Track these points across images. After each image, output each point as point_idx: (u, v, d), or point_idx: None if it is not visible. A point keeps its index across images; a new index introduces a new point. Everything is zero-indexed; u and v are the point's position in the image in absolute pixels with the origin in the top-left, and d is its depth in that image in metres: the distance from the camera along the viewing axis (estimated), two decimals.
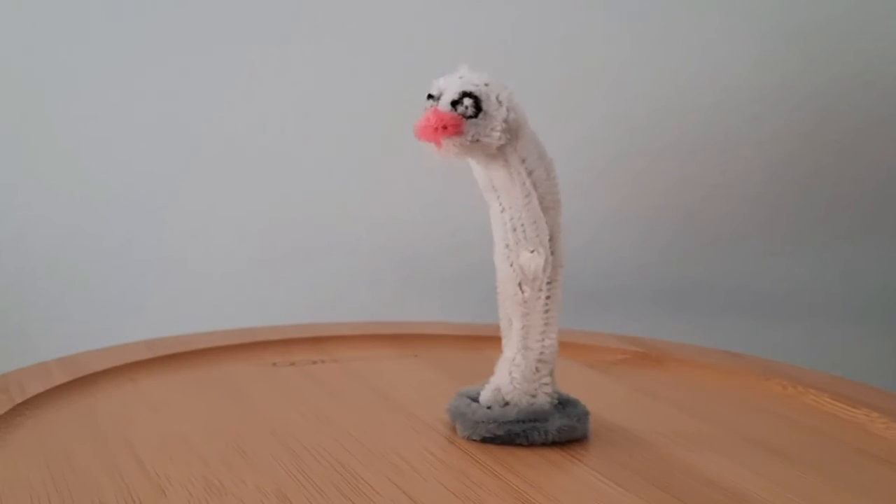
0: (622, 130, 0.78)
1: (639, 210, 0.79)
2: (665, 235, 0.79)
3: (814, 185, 0.76)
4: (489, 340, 0.62)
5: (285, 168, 0.81)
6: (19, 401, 0.47)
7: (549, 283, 0.45)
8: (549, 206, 0.44)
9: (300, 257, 0.82)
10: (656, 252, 0.79)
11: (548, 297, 0.45)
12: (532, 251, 0.44)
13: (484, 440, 0.45)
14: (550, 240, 0.45)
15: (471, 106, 0.42)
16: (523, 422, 0.45)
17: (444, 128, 0.41)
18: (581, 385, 0.53)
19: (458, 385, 0.49)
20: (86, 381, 0.51)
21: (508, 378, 0.45)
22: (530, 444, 0.45)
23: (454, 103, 0.42)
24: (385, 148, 0.78)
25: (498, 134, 0.42)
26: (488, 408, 0.45)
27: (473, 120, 0.42)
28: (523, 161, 0.43)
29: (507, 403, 0.45)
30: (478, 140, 0.42)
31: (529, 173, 0.44)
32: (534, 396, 0.45)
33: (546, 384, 0.45)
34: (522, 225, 0.44)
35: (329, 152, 0.81)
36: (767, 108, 0.76)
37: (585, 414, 0.47)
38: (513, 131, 0.43)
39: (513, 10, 0.77)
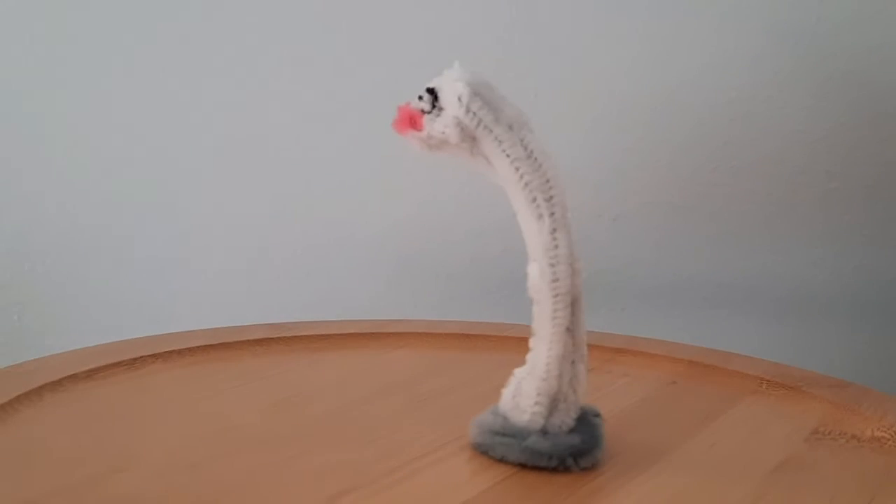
0: (615, 127, 0.78)
1: (632, 207, 0.79)
2: (658, 232, 0.79)
3: (805, 183, 0.77)
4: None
5: (283, 167, 0.82)
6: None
7: (555, 296, 0.41)
8: (544, 212, 0.41)
9: (298, 254, 0.82)
10: (649, 249, 0.80)
11: (555, 311, 0.41)
12: (534, 260, 0.42)
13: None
14: (555, 248, 0.41)
15: (427, 102, 0.41)
16: (502, 434, 0.43)
17: (409, 121, 0.41)
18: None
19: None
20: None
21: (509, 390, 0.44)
22: (502, 460, 0.43)
23: (420, 98, 0.41)
24: (381, 146, 0.79)
25: (450, 131, 0.41)
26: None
27: (429, 116, 0.41)
28: (504, 162, 0.41)
29: (504, 417, 0.43)
30: (433, 136, 0.41)
31: (519, 174, 0.41)
32: (524, 413, 0.42)
33: (538, 405, 0.42)
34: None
35: (326, 151, 0.81)
36: (759, 106, 0.76)
37: (571, 446, 0.42)
38: (468, 131, 0.41)
39: (508, 9, 0.77)
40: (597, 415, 0.44)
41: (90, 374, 0.53)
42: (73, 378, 0.52)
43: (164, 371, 0.55)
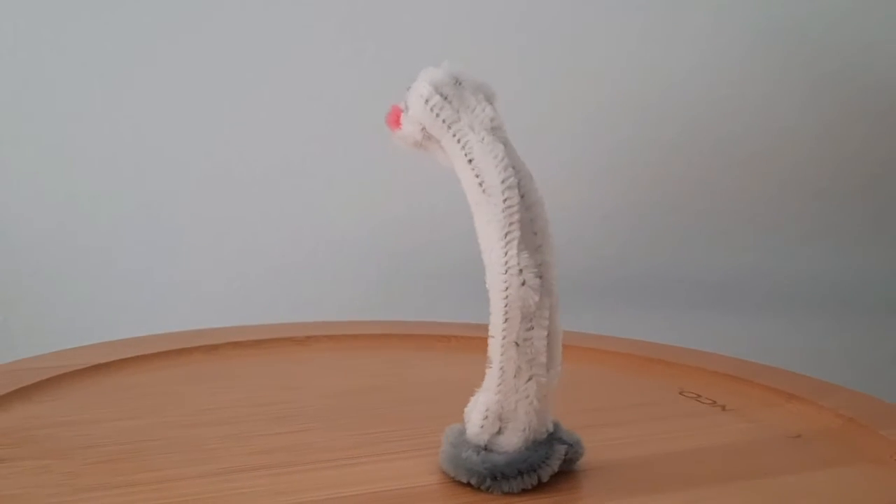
0: (607, 127, 0.78)
1: (622, 206, 0.79)
2: (649, 232, 0.79)
3: (796, 181, 0.77)
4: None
5: (271, 166, 0.81)
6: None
7: (504, 307, 0.38)
8: (496, 218, 0.39)
9: (286, 254, 0.82)
10: (640, 248, 0.79)
11: (504, 324, 0.38)
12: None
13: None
14: (504, 255, 0.38)
15: (405, 100, 0.41)
16: (452, 445, 0.41)
17: (394, 119, 0.41)
18: None
19: None
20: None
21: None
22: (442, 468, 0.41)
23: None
24: (371, 145, 0.79)
25: (412, 129, 0.40)
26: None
27: (404, 114, 0.40)
28: (461, 162, 0.39)
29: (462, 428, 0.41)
30: (404, 134, 0.40)
31: (474, 173, 0.39)
32: (474, 426, 0.40)
33: (485, 419, 0.39)
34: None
35: (315, 150, 0.81)
36: (751, 103, 0.76)
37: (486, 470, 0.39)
38: (429, 129, 0.40)
39: (500, 8, 0.77)
40: (564, 442, 0.40)
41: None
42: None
43: (142, 373, 0.55)
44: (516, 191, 0.38)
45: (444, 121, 0.39)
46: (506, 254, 0.38)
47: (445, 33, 0.78)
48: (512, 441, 0.39)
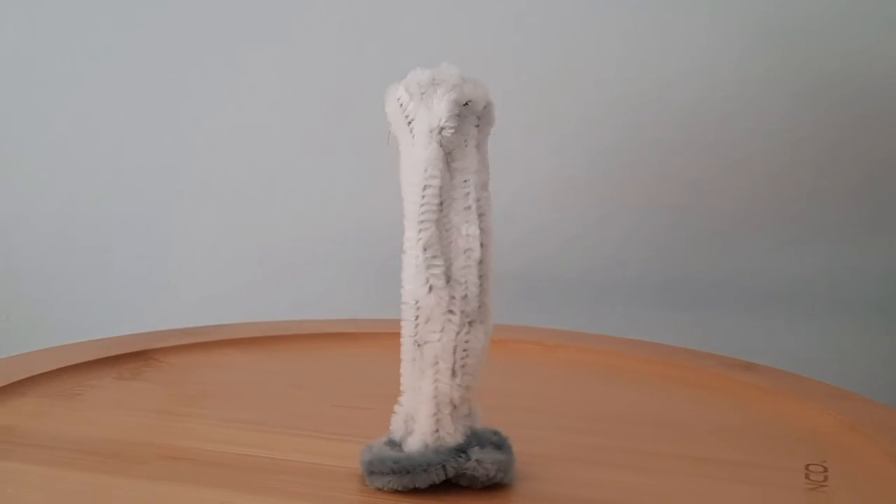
0: (604, 127, 0.78)
1: (623, 206, 0.79)
2: (649, 232, 0.79)
3: (793, 181, 0.77)
4: None
5: (271, 166, 0.82)
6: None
7: (403, 303, 0.39)
8: (410, 218, 0.39)
9: (287, 254, 0.82)
10: (641, 248, 0.80)
11: (404, 321, 0.39)
12: None
13: None
14: (414, 258, 0.38)
15: None
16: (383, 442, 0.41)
17: None
18: None
19: None
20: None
21: None
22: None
23: None
24: (370, 146, 0.79)
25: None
26: None
27: None
28: (405, 160, 0.40)
29: None
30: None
31: (406, 173, 0.40)
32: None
33: (395, 415, 0.40)
34: None
35: (314, 150, 0.81)
36: (747, 105, 0.76)
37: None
38: (395, 128, 0.40)
39: (496, 7, 0.77)
40: (468, 456, 0.38)
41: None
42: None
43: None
44: (435, 190, 0.38)
45: (406, 118, 0.39)
46: (414, 254, 0.38)
47: (446, 35, 0.78)
48: (413, 443, 0.39)
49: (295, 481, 0.40)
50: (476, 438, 0.39)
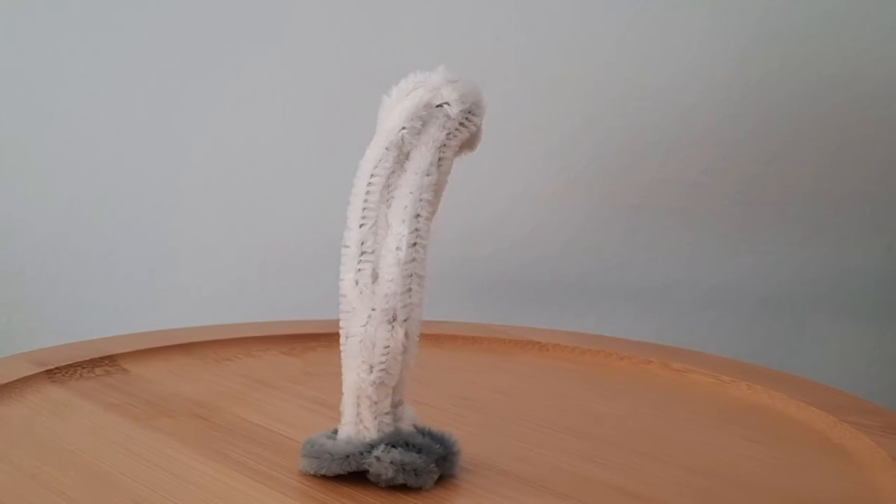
0: (605, 129, 0.78)
1: (622, 208, 0.79)
2: (648, 234, 0.79)
3: (794, 184, 0.77)
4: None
5: (272, 170, 0.82)
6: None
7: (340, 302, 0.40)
8: (350, 221, 0.41)
9: (290, 255, 0.82)
10: (639, 250, 0.80)
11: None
12: None
13: None
14: (357, 258, 0.40)
15: None
16: None
17: None
18: None
19: None
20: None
21: None
22: None
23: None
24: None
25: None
26: None
27: None
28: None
29: None
30: None
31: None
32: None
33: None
34: None
35: (317, 151, 0.81)
36: (748, 108, 0.76)
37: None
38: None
39: (497, 10, 0.77)
40: (372, 447, 0.39)
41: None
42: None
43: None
44: (377, 187, 0.39)
45: (385, 118, 0.41)
46: (346, 248, 0.40)
47: (451, 37, 0.78)
48: (340, 433, 0.40)
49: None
50: (397, 437, 0.39)
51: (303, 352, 0.61)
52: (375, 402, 0.39)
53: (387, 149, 0.39)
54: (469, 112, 0.40)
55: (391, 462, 0.38)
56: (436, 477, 0.39)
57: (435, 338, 0.64)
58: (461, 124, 0.40)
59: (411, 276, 0.39)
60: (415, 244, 0.39)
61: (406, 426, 0.40)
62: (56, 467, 0.40)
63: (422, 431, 0.40)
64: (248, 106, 0.81)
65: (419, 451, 0.39)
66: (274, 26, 0.80)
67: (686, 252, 0.79)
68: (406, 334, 0.39)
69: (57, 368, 0.53)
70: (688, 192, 0.78)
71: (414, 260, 0.39)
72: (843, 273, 0.78)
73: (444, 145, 0.40)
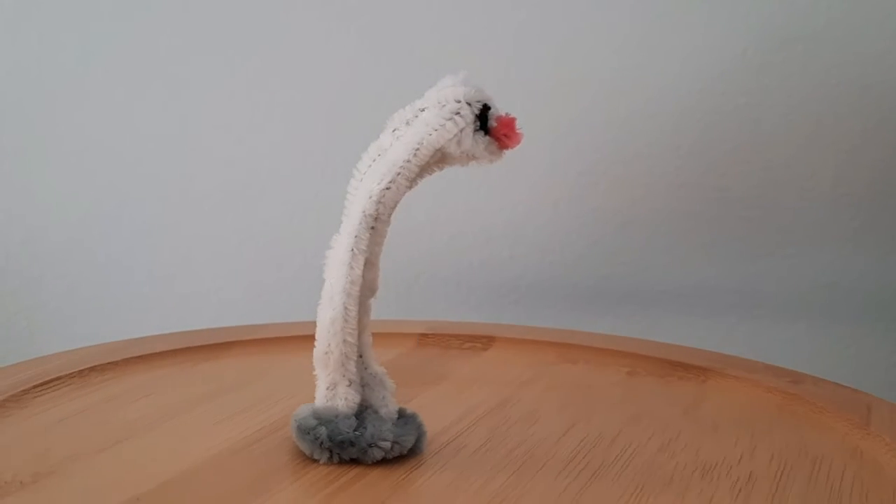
0: (623, 134, 0.78)
1: (642, 213, 0.79)
2: (667, 238, 0.79)
3: (813, 188, 0.77)
4: None
5: (290, 170, 0.82)
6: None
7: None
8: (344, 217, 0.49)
9: (308, 259, 0.82)
10: (657, 255, 0.80)
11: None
12: None
13: None
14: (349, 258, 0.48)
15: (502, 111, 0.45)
16: None
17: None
18: None
19: None
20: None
21: None
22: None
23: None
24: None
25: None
26: None
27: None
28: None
29: None
30: None
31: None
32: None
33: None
34: None
35: (332, 154, 0.82)
36: (767, 112, 0.76)
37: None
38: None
39: (509, 14, 0.77)
40: (339, 430, 0.43)
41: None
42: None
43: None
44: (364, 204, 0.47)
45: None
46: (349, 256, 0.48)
47: (458, 39, 0.79)
48: (320, 400, 0.45)
49: None
50: (367, 415, 0.44)
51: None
52: (351, 382, 0.44)
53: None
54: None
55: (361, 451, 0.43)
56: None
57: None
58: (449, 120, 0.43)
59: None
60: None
61: (375, 401, 0.44)
62: None
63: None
64: (265, 110, 0.82)
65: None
66: (270, 26, 0.80)
67: (705, 256, 0.79)
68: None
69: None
70: (706, 196, 0.78)
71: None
72: (864, 277, 0.78)
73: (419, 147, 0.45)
